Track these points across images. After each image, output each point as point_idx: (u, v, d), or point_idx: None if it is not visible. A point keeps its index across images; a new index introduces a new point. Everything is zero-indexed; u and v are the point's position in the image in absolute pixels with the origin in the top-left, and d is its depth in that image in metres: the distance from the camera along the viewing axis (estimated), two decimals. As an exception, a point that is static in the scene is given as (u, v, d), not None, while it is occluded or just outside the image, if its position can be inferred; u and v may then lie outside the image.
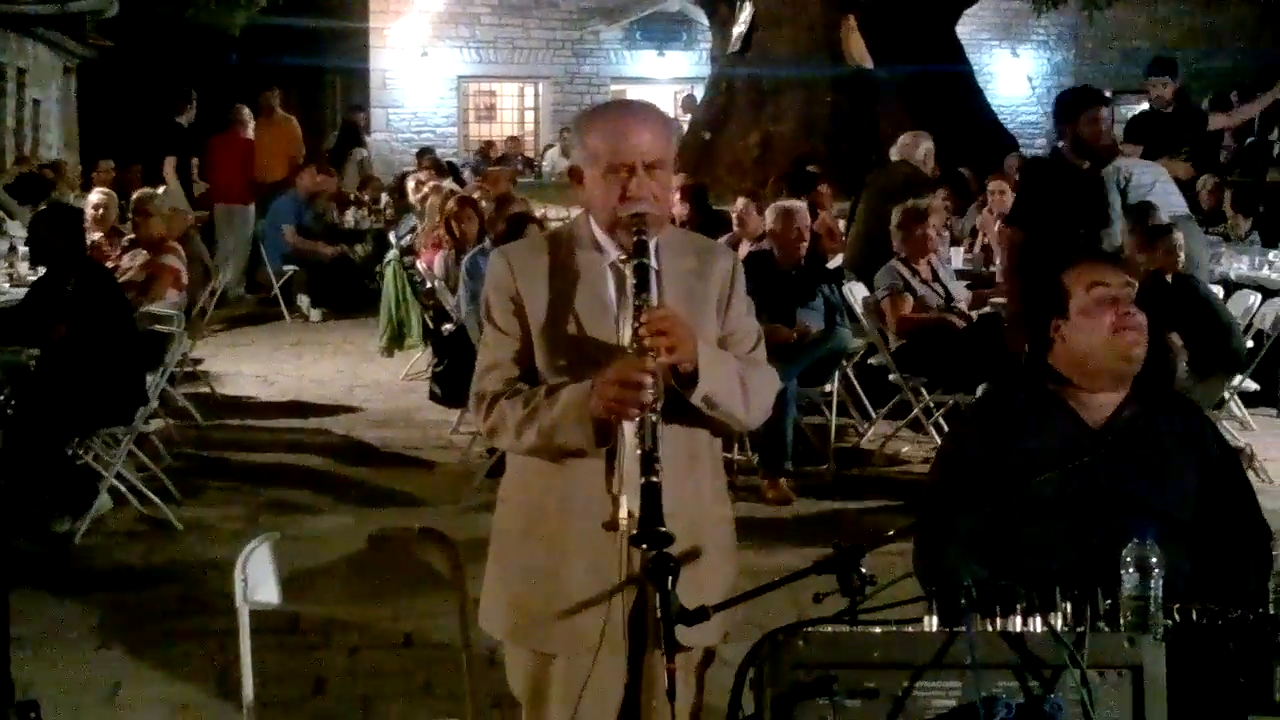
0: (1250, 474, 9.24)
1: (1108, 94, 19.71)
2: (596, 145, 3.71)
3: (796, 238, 9.77)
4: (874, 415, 10.80)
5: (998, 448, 4.10)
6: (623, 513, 3.61)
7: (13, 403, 8.52)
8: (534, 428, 3.64)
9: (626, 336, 3.63)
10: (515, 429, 3.68)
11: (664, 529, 3.25)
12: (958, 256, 12.99)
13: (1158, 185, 11.01)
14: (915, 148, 12.17)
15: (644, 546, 3.26)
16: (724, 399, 3.68)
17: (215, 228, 17.68)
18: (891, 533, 3.42)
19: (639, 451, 3.42)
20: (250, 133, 18.48)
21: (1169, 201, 10.93)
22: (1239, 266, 11.98)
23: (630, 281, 3.60)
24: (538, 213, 12.20)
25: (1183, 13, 27.61)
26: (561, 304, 3.73)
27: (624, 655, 3.73)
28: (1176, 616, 3.46)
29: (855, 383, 10.86)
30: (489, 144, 27.51)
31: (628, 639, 3.72)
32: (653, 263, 3.63)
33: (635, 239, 3.61)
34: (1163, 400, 4.25)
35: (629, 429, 3.57)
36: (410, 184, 17.00)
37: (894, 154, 12.40)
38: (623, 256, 3.68)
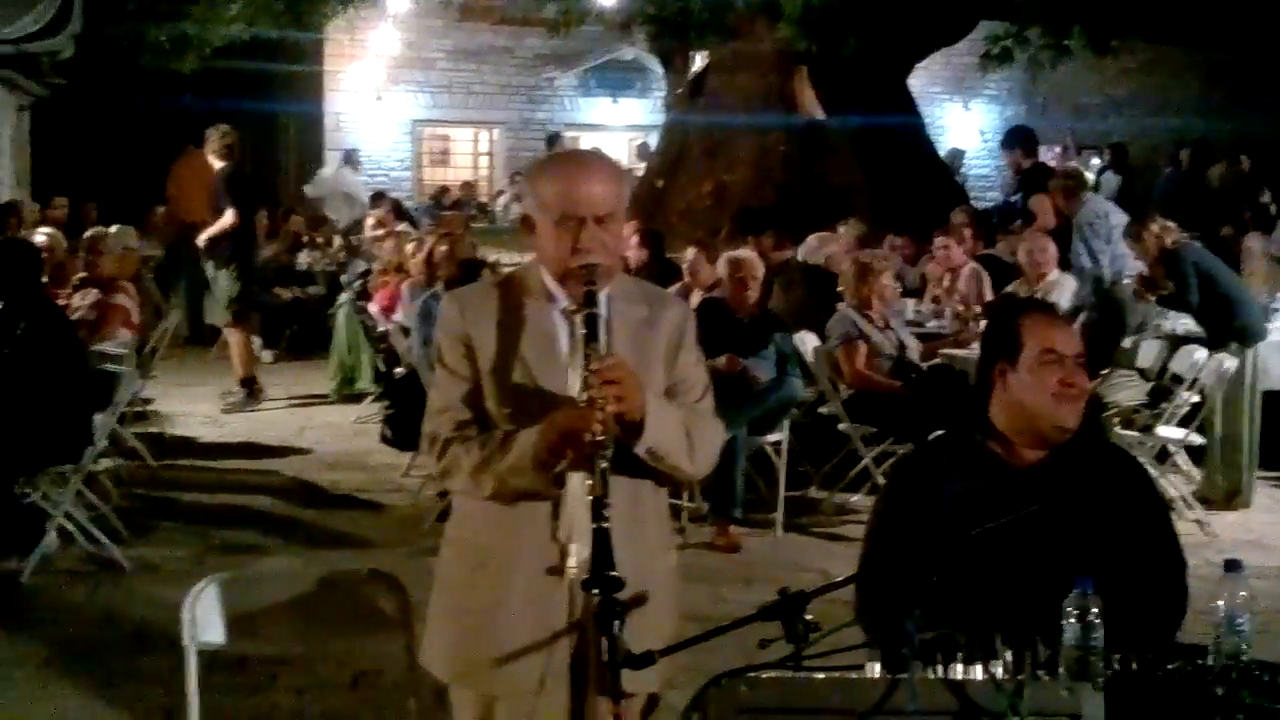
0: (1195, 526, 9.46)
1: (1055, 149, 20.15)
2: (548, 196, 3.75)
3: (743, 287, 9.83)
4: (823, 465, 10.85)
5: (928, 499, 4.13)
6: (571, 560, 3.65)
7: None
8: (489, 473, 3.67)
9: (576, 385, 3.66)
10: (470, 473, 3.71)
11: (614, 574, 3.28)
12: (909, 307, 13.06)
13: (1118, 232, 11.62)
14: (816, 250, 12.43)
15: (594, 591, 3.28)
16: (668, 451, 3.73)
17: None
18: (836, 580, 3.46)
19: (589, 498, 3.45)
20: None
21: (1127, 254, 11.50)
22: (1186, 321, 12.09)
23: (580, 331, 3.64)
24: (490, 258, 12.26)
25: (1131, 71, 27.84)
26: (512, 350, 3.76)
27: (566, 699, 3.76)
28: (1116, 666, 3.51)
29: (805, 432, 10.91)
30: (443, 189, 27.50)
31: (570, 683, 3.75)
32: (602, 312, 3.67)
33: (585, 289, 3.65)
34: (1091, 448, 4.27)
35: (578, 477, 3.60)
36: (369, 222, 16.98)
37: (799, 254, 12.63)
38: (573, 305, 3.72)
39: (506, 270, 5.06)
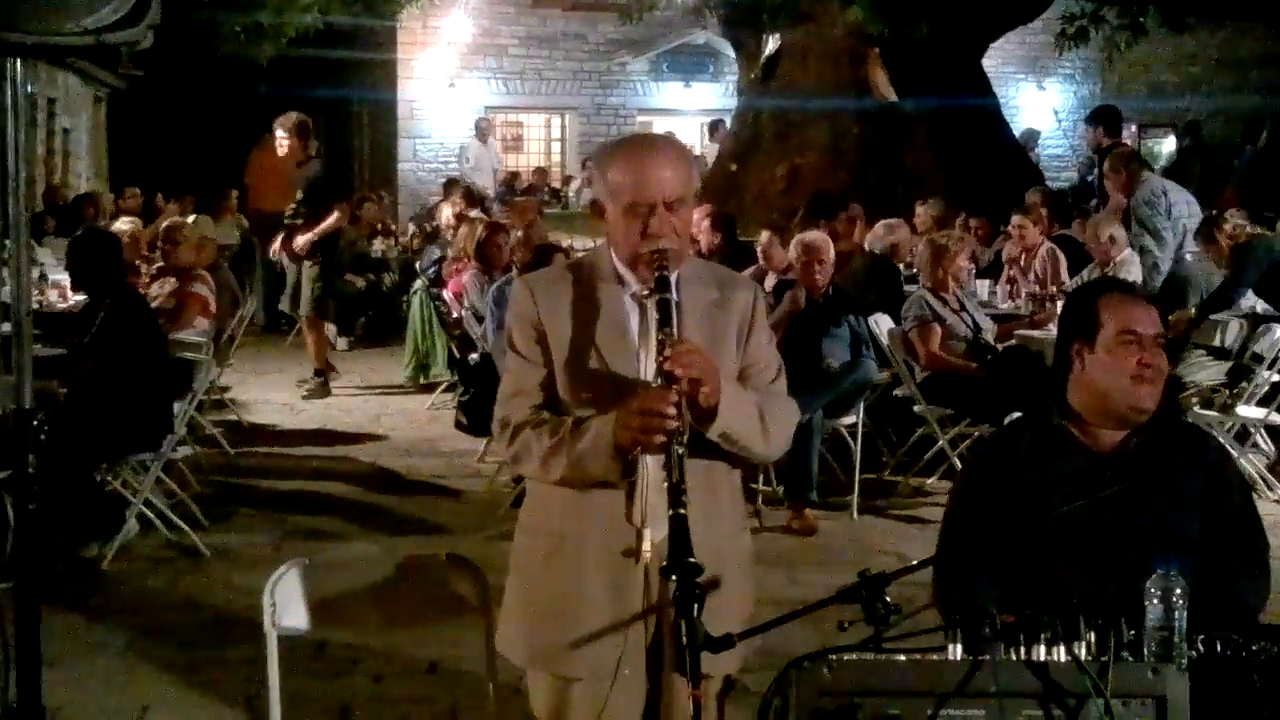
0: (1277, 506, 9.37)
1: (1131, 126, 19.93)
2: (618, 182, 3.74)
3: (812, 270, 9.79)
4: (898, 447, 10.80)
5: (1008, 481, 4.10)
6: (645, 544, 3.64)
7: (46, 428, 8.53)
8: (561, 459, 3.67)
9: (647, 369, 3.66)
10: (541, 459, 3.71)
11: (693, 559, 3.27)
12: (984, 288, 12.98)
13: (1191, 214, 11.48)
14: (883, 238, 12.28)
15: (673, 578, 3.27)
16: (742, 434, 3.72)
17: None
18: (916, 563, 3.44)
19: (665, 484, 3.44)
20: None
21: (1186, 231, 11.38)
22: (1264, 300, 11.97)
23: (652, 315, 3.63)
24: (564, 243, 12.27)
25: (1208, 46, 27.55)
26: (583, 334, 3.76)
27: (643, 681, 3.76)
28: (1200, 647, 3.47)
29: (880, 414, 10.87)
30: (515, 174, 27.56)
31: (646, 665, 3.76)
32: (673, 296, 3.66)
33: (656, 274, 3.65)
34: (1170, 428, 4.23)
35: (652, 461, 3.60)
36: (446, 213, 17.03)
37: (866, 243, 12.48)
38: (644, 289, 3.71)
39: (577, 255, 5.04)
